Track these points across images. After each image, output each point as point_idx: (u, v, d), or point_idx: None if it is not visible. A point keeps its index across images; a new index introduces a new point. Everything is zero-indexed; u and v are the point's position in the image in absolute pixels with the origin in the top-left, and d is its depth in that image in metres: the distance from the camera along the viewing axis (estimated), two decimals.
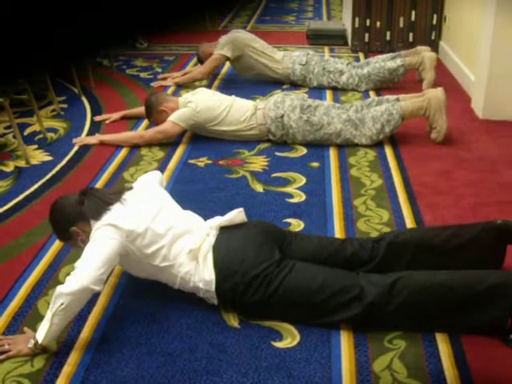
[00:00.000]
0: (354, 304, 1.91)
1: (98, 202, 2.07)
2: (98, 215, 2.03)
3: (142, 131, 3.62)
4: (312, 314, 1.97)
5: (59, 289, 1.84)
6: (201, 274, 2.02)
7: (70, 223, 2.08)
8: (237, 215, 2.15)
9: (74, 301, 1.84)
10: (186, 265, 2.04)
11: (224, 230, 2.13)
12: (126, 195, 2.14)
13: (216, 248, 2.05)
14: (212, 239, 2.08)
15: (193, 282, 2.04)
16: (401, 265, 2.08)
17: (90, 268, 1.88)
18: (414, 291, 1.89)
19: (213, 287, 2.01)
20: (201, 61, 4.61)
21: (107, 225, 1.99)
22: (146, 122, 3.80)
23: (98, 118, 3.95)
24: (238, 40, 4.41)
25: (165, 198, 2.25)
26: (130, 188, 2.21)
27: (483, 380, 1.76)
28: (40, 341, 1.85)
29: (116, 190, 2.22)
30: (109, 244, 1.95)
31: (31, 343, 1.87)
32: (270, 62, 4.45)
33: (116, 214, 2.04)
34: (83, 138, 3.60)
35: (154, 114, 3.57)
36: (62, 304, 1.82)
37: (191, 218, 2.21)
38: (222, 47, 4.40)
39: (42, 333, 1.85)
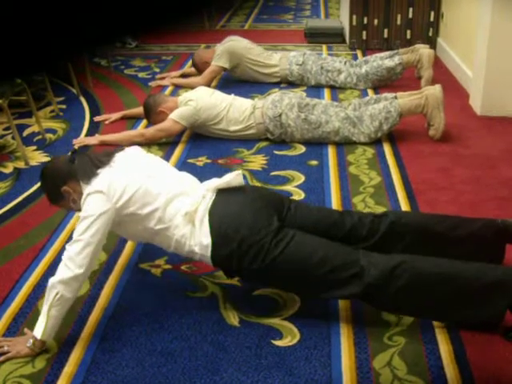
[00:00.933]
0: (354, 282, 1.88)
1: (88, 163, 2.04)
2: (87, 178, 2.00)
3: (143, 130, 3.61)
4: (311, 288, 1.95)
5: (52, 280, 1.85)
6: (197, 237, 1.98)
7: (61, 182, 2.06)
8: (234, 178, 2.09)
9: (68, 289, 1.85)
10: (182, 228, 2.00)
11: (221, 193, 2.06)
12: (117, 157, 2.10)
13: (212, 212, 1.99)
14: (209, 202, 2.02)
15: (188, 245, 2.00)
16: (399, 246, 2.07)
17: (80, 256, 1.88)
18: (414, 277, 1.86)
19: (208, 252, 1.97)
20: (196, 67, 4.61)
21: (97, 192, 1.95)
22: (144, 121, 3.80)
23: (97, 119, 3.95)
24: (234, 51, 4.41)
25: (158, 160, 2.22)
26: (122, 149, 2.17)
27: (483, 375, 1.77)
28: (38, 337, 1.85)
29: (107, 152, 2.15)
30: (98, 222, 1.92)
31: (30, 342, 1.87)
32: (267, 69, 4.47)
33: (105, 179, 1.99)
34: (83, 139, 3.60)
35: (153, 116, 3.57)
36: (57, 293, 1.83)
37: (187, 179, 2.16)
38: (219, 58, 4.39)
39: (39, 329, 1.85)
